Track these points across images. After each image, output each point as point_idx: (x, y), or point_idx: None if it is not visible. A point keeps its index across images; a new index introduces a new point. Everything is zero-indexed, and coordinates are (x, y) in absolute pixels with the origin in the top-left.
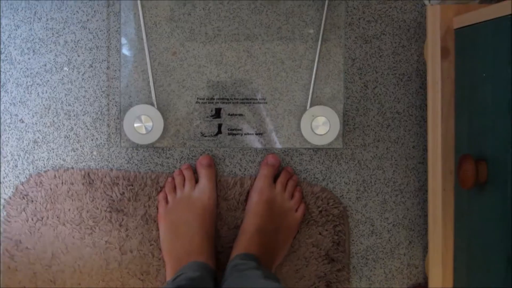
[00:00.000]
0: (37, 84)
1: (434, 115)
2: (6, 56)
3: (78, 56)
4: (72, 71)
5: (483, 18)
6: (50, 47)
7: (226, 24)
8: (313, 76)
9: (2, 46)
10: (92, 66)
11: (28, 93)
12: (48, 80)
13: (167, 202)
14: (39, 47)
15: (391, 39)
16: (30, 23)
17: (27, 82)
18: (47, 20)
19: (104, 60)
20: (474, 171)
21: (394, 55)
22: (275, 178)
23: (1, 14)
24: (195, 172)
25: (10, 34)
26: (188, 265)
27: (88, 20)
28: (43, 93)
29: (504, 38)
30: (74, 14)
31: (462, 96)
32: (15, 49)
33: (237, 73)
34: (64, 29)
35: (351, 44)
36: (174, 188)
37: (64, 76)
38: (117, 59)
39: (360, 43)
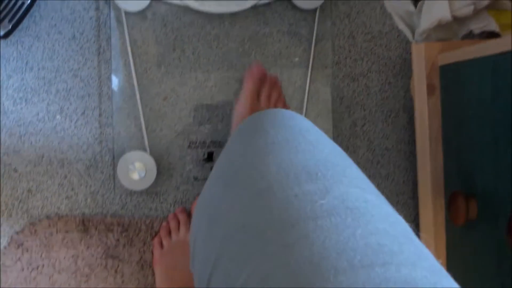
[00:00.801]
0: (30, 133)
1: (422, 152)
2: None
3: (70, 104)
4: (65, 119)
5: (467, 57)
6: (42, 96)
7: (215, 68)
8: (303, 115)
9: None
10: (84, 114)
11: (21, 142)
12: (41, 129)
13: (162, 246)
14: (31, 97)
15: (377, 76)
16: (22, 73)
17: (20, 132)
18: (39, 69)
19: (96, 107)
20: (464, 208)
21: (381, 92)
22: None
23: None
24: (189, 215)
25: (2, 85)
26: None
27: (79, 68)
28: (36, 142)
29: (487, 77)
30: (65, 62)
31: (450, 132)
32: (7, 100)
33: (229, 116)
34: (56, 78)
35: (339, 83)
36: (169, 232)
37: (56, 124)
38: (109, 106)
39: (348, 82)
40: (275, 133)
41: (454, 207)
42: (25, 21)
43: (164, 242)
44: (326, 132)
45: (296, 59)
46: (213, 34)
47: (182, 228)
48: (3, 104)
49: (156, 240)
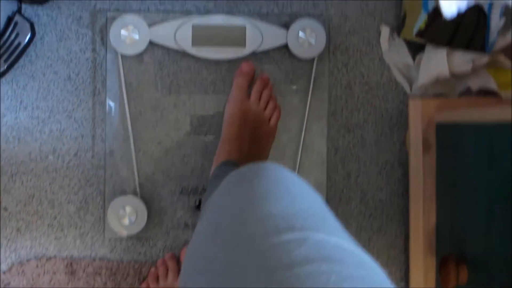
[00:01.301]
0: (22, 172)
1: (416, 210)
2: None
3: (63, 145)
4: (57, 160)
5: (465, 119)
6: (36, 136)
7: (211, 113)
8: (297, 166)
9: None
10: (77, 155)
11: (12, 181)
12: (32, 169)
13: None
14: (24, 136)
15: (373, 127)
16: (16, 112)
17: (11, 171)
18: (33, 109)
19: (89, 149)
20: (455, 274)
21: (377, 143)
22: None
23: None
24: (179, 261)
25: None
26: None
27: (73, 109)
28: (27, 181)
29: (484, 144)
30: (59, 103)
31: (444, 192)
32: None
33: None
34: (50, 118)
35: (334, 133)
36: (157, 278)
37: (49, 164)
38: (102, 148)
39: (343, 133)
40: (258, 185)
41: (444, 272)
42: (21, 60)
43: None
44: (319, 183)
45: (292, 108)
46: (209, 80)
47: (170, 274)
48: None
49: (144, 286)
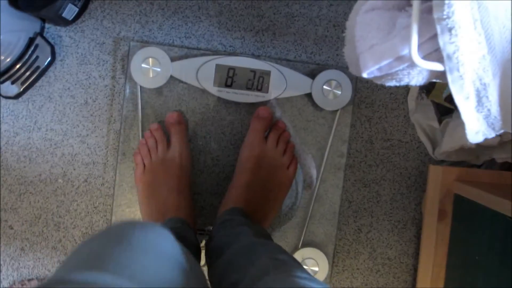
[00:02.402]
0: (30, 192)
1: (424, 276)
2: (2, 162)
3: (74, 169)
4: (66, 184)
5: (484, 202)
6: (47, 158)
7: (226, 154)
8: (308, 216)
9: None
10: (86, 181)
11: (20, 200)
12: (41, 190)
13: (144, 165)
14: (36, 157)
15: (390, 185)
16: (30, 132)
17: (20, 190)
18: (47, 130)
19: (100, 177)
20: None
21: (392, 201)
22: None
23: (2, 120)
24: (165, 132)
25: (8, 141)
26: (165, 222)
27: (87, 135)
28: (35, 202)
29: (500, 235)
30: (74, 127)
31: (454, 264)
32: (11, 156)
33: None
34: (63, 141)
35: (350, 186)
36: (149, 151)
37: (57, 187)
38: (112, 177)
39: (359, 186)
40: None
41: None
42: (38, 80)
43: (145, 161)
44: (329, 234)
45: (309, 156)
46: (228, 120)
47: (160, 146)
48: (7, 160)
49: (137, 158)
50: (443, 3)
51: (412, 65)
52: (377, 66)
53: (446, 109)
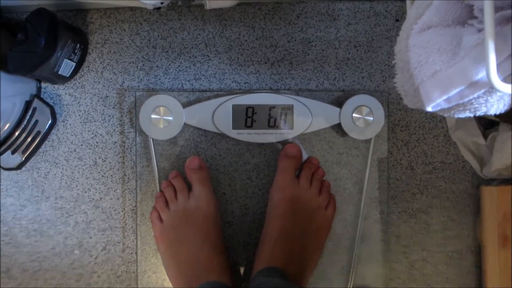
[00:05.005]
0: (45, 269)
1: None
2: (11, 239)
3: (90, 238)
4: (84, 255)
5: None
6: (59, 229)
7: (254, 202)
8: (354, 258)
9: (6, 229)
10: (105, 249)
11: (34, 279)
12: (57, 265)
13: (161, 220)
14: (47, 229)
15: (439, 212)
16: (37, 203)
17: (34, 267)
18: (56, 199)
19: (119, 242)
20: None
21: (443, 230)
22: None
23: (6, 193)
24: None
25: (15, 215)
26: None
27: (101, 198)
28: (51, 279)
29: None
30: (85, 192)
31: None
32: (20, 232)
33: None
34: (75, 208)
35: (395, 220)
36: (167, 203)
37: (74, 260)
38: (133, 241)
39: (405, 219)
40: None
41: None
42: (41, 146)
43: (163, 216)
44: (379, 275)
45: (346, 193)
46: (252, 164)
47: (180, 195)
48: (17, 236)
49: (153, 215)
50: None
51: (491, 91)
52: (444, 97)
53: (490, 121)
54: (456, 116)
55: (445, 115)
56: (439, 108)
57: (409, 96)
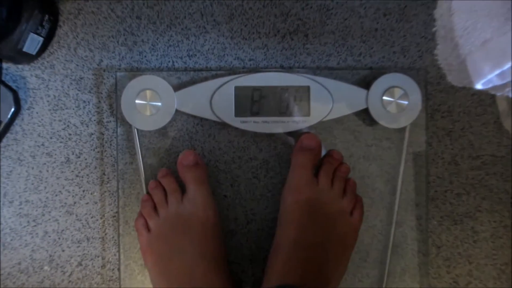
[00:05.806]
0: None
1: None
2: None
3: (63, 251)
4: (55, 271)
5: None
6: (26, 240)
7: (262, 207)
8: (385, 274)
9: None
10: (81, 265)
11: None
12: (23, 284)
13: (149, 229)
14: (11, 240)
15: (488, 217)
16: None
17: None
18: (21, 204)
19: (98, 256)
20: None
21: (494, 238)
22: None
23: None
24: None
25: None
26: None
27: (75, 203)
28: None
29: None
30: (56, 195)
31: None
32: None
33: None
34: (44, 215)
35: (435, 226)
36: (155, 208)
37: (44, 278)
38: (115, 255)
39: (448, 225)
40: None
41: None
42: (2, 139)
43: (151, 223)
44: None
45: (376, 194)
46: (260, 159)
47: (171, 198)
48: None
49: (139, 223)
50: None
51: None
52: (497, 71)
53: None
54: (510, 96)
55: (498, 94)
56: (490, 85)
57: (453, 71)
